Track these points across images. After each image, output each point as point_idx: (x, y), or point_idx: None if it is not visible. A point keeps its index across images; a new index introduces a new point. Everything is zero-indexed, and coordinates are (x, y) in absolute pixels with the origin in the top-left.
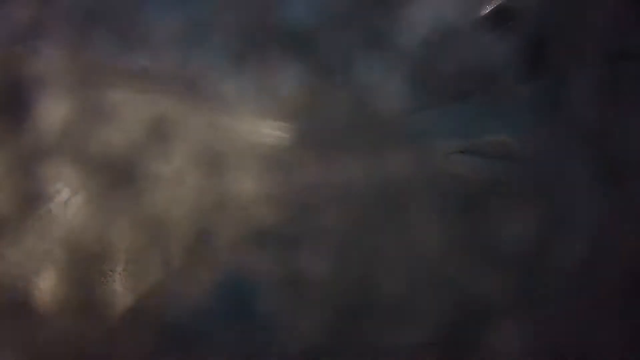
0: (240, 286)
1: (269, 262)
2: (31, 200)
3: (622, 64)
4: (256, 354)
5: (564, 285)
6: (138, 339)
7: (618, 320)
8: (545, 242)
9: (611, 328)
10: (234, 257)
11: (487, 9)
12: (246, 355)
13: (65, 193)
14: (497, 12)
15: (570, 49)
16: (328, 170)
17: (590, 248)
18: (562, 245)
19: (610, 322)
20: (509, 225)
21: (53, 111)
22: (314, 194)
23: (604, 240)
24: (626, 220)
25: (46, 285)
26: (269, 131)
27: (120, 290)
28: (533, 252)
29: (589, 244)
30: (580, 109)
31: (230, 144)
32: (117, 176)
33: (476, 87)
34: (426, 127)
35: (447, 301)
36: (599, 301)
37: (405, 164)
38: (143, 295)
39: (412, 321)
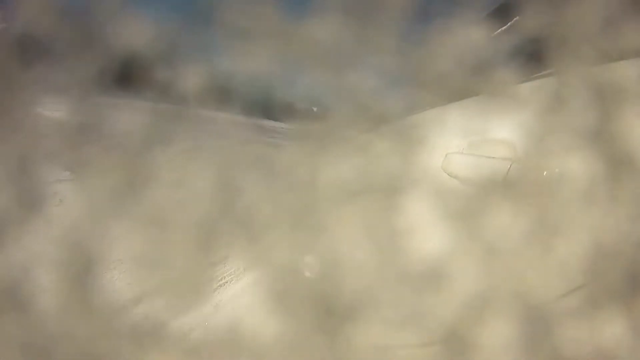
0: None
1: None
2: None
3: (622, 64)
4: None
5: (563, 285)
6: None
7: (618, 321)
8: (545, 242)
9: (611, 328)
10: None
11: (488, 9)
12: None
13: (66, 193)
14: (497, 12)
15: (571, 48)
16: (325, 170)
17: (590, 248)
18: (562, 245)
19: (610, 323)
20: (509, 225)
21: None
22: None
23: (604, 241)
24: (626, 220)
25: (47, 285)
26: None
27: (122, 290)
28: (533, 251)
29: (589, 243)
30: (580, 108)
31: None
32: (119, 176)
33: (476, 87)
34: (426, 127)
35: (446, 301)
36: (599, 301)
37: (405, 163)
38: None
39: (412, 321)
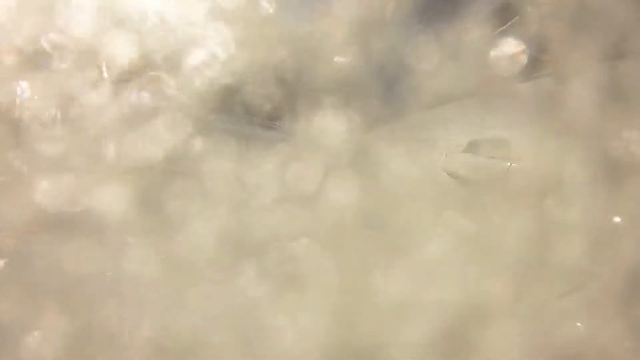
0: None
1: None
2: None
3: (622, 64)
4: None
5: (564, 285)
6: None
7: (618, 321)
8: (546, 242)
9: (611, 328)
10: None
11: (488, 9)
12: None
13: None
14: (497, 11)
15: (571, 48)
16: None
17: (590, 248)
18: (562, 245)
19: (610, 322)
20: (509, 225)
21: None
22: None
23: (604, 241)
24: (626, 221)
25: None
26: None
27: None
28: (533, 252)
29: (589, 244)
30: (580, 108)
31: None
32: None
33: (476, 87)
34: (426, 127)
35: (447, 301)
36: (599, 301)
37: (405, 163)
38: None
39: (412, 321)
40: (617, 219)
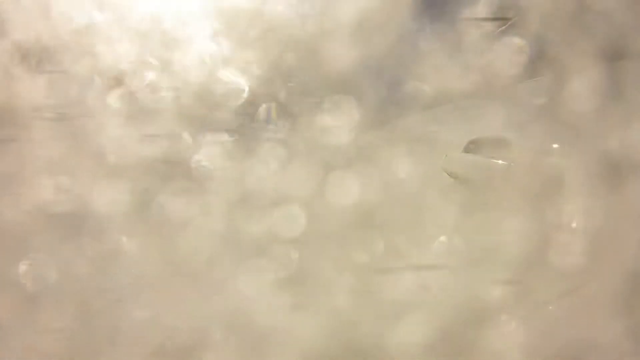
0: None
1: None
2: None
3: (622, 64)
4: None
5: (563, 285)
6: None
7: (618, 320)
8: (546, 242)
9: (611, 328)
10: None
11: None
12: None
13: None
14: (497, 12)
15: (571, 48)
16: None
17: (590, 248)
18: (562, 245)
19: (610, 322)
20: (509, 225)
21: None
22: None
23: (604, 240)
24: (626, 221)
25: None
26: None
27: None
28: (533, 251)
29: (589, 243)
30: (580, 108)
31: None
32: None
33: (476, 87)
34: (427, 126)
35: (447, 301)
36: (599, 301)
37: (406, 163)
38: None
39: (412, 321)
40: (615, 219)
